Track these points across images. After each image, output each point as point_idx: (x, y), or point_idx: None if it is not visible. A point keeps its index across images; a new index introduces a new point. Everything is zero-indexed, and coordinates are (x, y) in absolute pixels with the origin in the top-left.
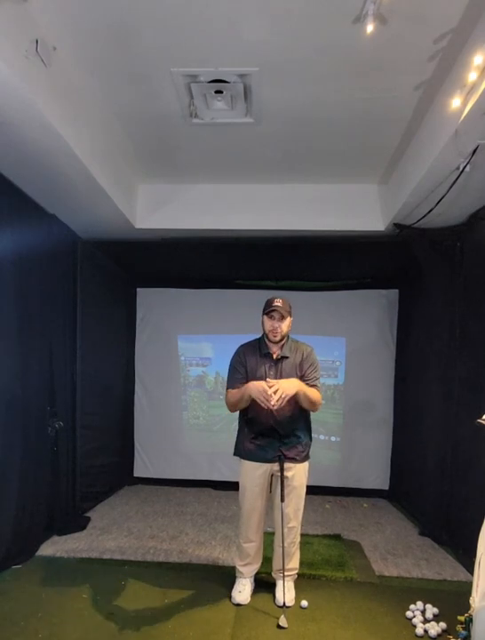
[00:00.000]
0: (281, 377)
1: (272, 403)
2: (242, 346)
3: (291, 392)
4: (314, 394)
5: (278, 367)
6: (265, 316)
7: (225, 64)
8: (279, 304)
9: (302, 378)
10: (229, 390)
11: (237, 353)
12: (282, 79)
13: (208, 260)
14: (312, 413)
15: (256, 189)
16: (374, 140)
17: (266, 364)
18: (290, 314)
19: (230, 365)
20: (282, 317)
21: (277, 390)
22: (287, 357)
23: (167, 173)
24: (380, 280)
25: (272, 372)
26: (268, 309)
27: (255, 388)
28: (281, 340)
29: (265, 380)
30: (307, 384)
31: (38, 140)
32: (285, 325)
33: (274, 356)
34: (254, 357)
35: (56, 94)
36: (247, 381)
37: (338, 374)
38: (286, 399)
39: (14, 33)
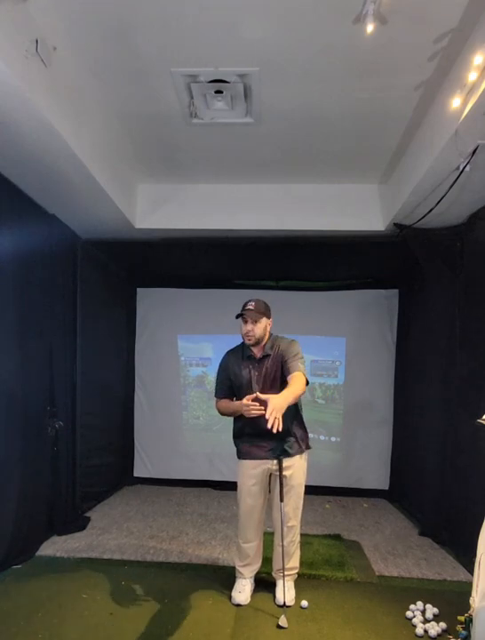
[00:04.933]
0: (266, 375)
1: (266, 415)
2: (227, 353)
3: (284, 406)
4: (297, 388)
5: (262, 366)
6: (241, 320)
7: (225, 64)
8: (250, 307)
9: (283, 367)
10: (218, 399)
11: (221, 362)
12: (282, 79)
13: (208, 260)
14: (309, 412)
15: (256, 189)
16: (374, 139)
17: (250, 366)
18: (265, 315)
19: (217, 373)
20: (255, 321)
21: (269, 411)
22: (269, 355)
23: (167, 173)
24: (380, 280)
25: (256, 373)
26: (240, 313)
27: (241, 407)
28: (257, 343)
29: (250, 383)
30: (289, 370)
31: (38, 139)
32: (259, 328)
33: (257, 357)
34: (237, 362)
35: (56, 94)
36: (232, 388)
37: (338, 374)
38: (280, 414)
39: (14, 33)
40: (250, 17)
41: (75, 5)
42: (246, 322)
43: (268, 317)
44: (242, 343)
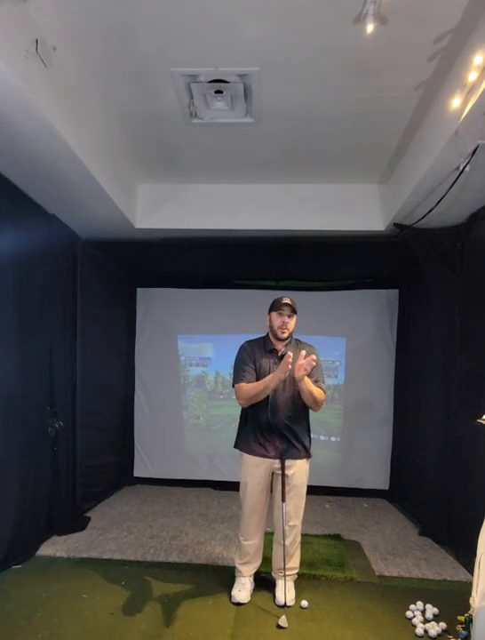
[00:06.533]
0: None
1: (295, 371)
2: (247, 342)
3: (303, 380)
4: (316, 391)
5: None
6: (274, 313)
7: (225, 64)
8: (288, 302)
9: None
10: (241, 385)
11: (244, 347)
12: (282, 79)
13: (208, 260)
14: (311, 413)
15: (256, 189)
16: (374, 139)
17: (272, 360)
18: (296, 312)
19: (237, 360)
20: (292, 313)
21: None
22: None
23: (167, 173)
24: (380, 280)
25: (277, 368)
26: (278, 305)
27: (273, 378)
28: (288, 338)
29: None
30: (313, 383)
31: (38, 139)
32: (292, 323)
33: (279, 353)
34: (260, 352)
35: (56, 94)
36: (256, 375)
37: (338, 374)
38: (301, 375)
39: (14, 33)
40: (250, 17)
41: (75, 5)
42: (283, 314)
43: (297, 316)
44: (263, 337)
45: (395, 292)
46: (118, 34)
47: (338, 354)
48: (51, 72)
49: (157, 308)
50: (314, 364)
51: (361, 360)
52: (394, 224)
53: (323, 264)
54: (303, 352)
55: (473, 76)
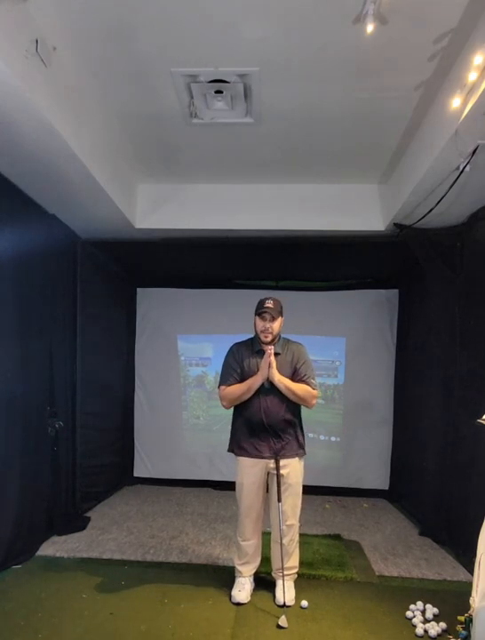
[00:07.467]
0: None
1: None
2: (235, 344)
3: (280, 379)
4: (299, 388)
5: None
6: (257, 317)
7: (225, 64)
8: (270, 305)
9: (295, 374)
10: (225, 387)
11: (231, 350)
12: (282, 79)
13: (208, 260)
14: (308, 412)
15: (256, 189)
16: (374, 139)
17: (259, 361)
18: (281, 314)
19: (224, 363)
20: (274, 318)
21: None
22: (279, 354)
23: (167, 173)
24: (380, 280)
25: None
26: (260, 310)
27: (253, 382)
28: (273, 341)
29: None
30: (301, 381)
31: (38, 139)
32: (276, 326)
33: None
34: (248, 354)
35: (56, 94)
36: (242, 378)
37: (338, 374)
38: (274, 372)
39: (14, 33)
40: (250, 17)
41: (75, 5)
42: (265, 319)
43: (282, 316)
44: (251, 338)
45: (395, 291)
46: (118, 34)
47: (338, 354)
48: (51, 72)
49: (157, 307)
50: (272, 359)
51: (361, 360)
52: (394, 224)
53: (323, 264)
54: (271, 348)
55: (473, 76)
